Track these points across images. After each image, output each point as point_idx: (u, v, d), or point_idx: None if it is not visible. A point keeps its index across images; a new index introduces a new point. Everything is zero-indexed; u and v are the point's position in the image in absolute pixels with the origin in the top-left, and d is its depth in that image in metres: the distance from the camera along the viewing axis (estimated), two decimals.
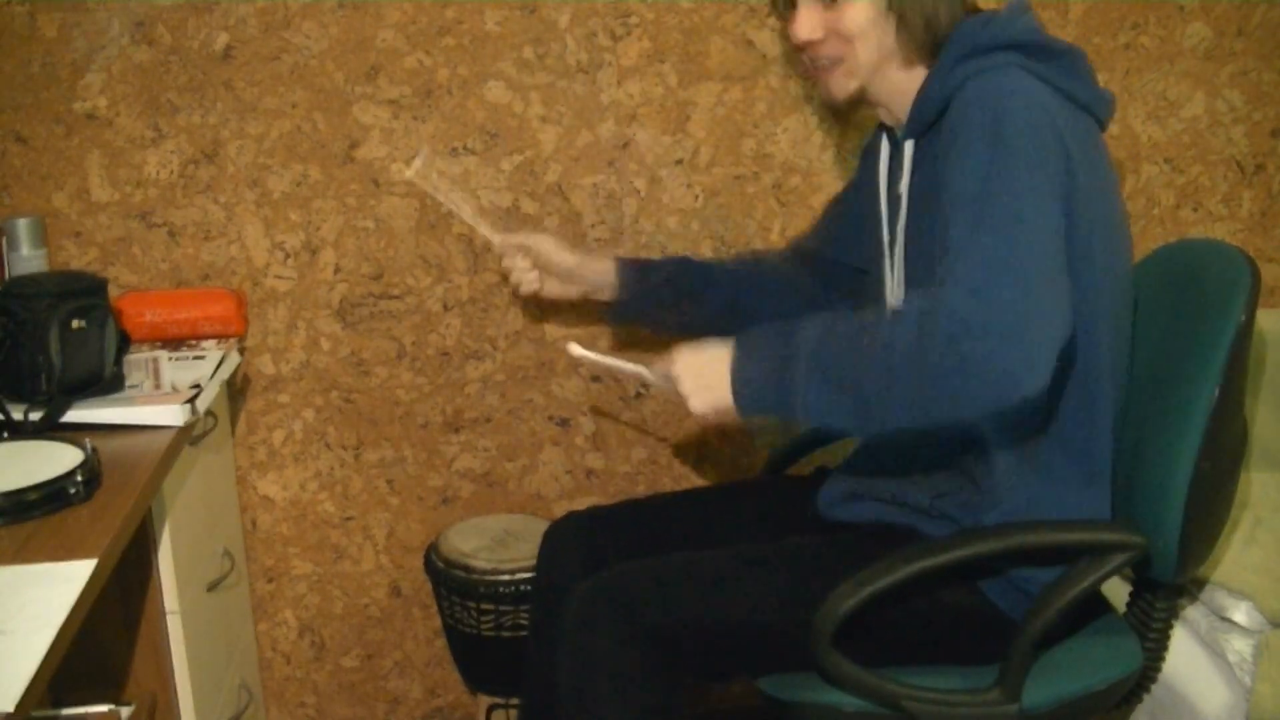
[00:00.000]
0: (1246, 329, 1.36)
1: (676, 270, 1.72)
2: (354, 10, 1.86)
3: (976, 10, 1.41)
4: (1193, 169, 2.05)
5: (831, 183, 1.99)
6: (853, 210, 1.63)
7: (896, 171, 1.46)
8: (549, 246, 1.71)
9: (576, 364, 1.53)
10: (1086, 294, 1.30)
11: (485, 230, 1.73)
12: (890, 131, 1.50)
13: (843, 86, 1.43)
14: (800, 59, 1.48)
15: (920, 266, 1.38)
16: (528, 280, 1.73)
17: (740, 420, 1.33)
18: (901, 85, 1.41)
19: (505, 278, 1.79)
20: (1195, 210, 2.07)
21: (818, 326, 1.25)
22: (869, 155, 1.58)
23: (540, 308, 1.99)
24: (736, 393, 1.29)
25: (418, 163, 1.81)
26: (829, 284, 1.69)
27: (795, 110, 1.96)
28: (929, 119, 1.37)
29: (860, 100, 1.46)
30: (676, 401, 1.35)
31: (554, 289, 1.75)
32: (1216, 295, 1.38)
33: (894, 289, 1.48)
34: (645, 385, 1.43)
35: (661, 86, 1.93)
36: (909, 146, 1.40)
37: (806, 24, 1.41)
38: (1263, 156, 2.05)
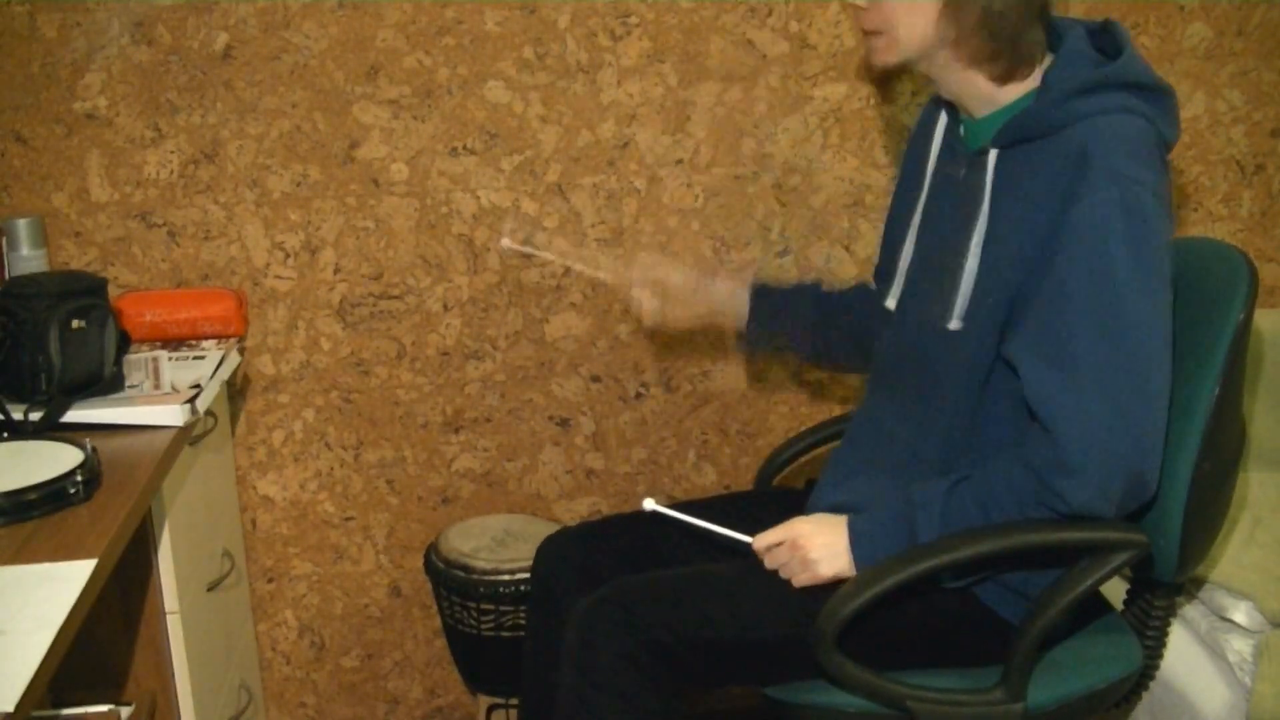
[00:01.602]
0: (1245, 328, 1.36)
1: (808, 301, 1.70)
2: (354, 10, 1.87)
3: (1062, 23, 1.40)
4: (1193, 169, 2.05)
5: (831, 183, 1.99)
6: (898, 199, 1.63)
7: (950, 154, 1.47)
8: (667, 269, 1.69)
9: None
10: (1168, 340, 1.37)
11: (603, 274, 1.67)
12: (950, 108, 1.48)
13: (882, 58, 1.42)
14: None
15: (989, 279, 1.38)
16: (650, 310, 1.69)
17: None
18: (982, 91, 1.39)
19: (627, 310, 1.77)
20: (1195, 210, 2.07)
21: (933, 520, 1.34)
22: (919, 129, 1.57)
23: (541, 308, 2.00)
24: (861, 562, 1.37)
25: (508, 228, 1.78)
26: None
27: (795, 110, 1.96)
28: (1026, 137, 1.34)
29: (904, 69, 1.45)
30: (789, 570, 1.40)
31: (679, 314, 1.70)
32: (1215, 295, 1.38)
33: (904, 266, 1.49)
34: (742, 546, 1.47)
35: (661, 86, 1.93)
36: (993, 155, 1.38)
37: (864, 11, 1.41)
38: (1263, 156, 2.05)
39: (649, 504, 1.47)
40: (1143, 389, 1.26)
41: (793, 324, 1.69)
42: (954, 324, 1.39)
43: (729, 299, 1.69)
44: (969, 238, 1.38)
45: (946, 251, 1.41)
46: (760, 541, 1.42)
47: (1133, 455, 1.26)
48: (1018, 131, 1.35)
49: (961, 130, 1.46)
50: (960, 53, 1.36)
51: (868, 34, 1.43)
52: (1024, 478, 1.30)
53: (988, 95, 1.39)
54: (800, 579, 1.38)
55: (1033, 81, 1.36)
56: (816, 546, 1.37)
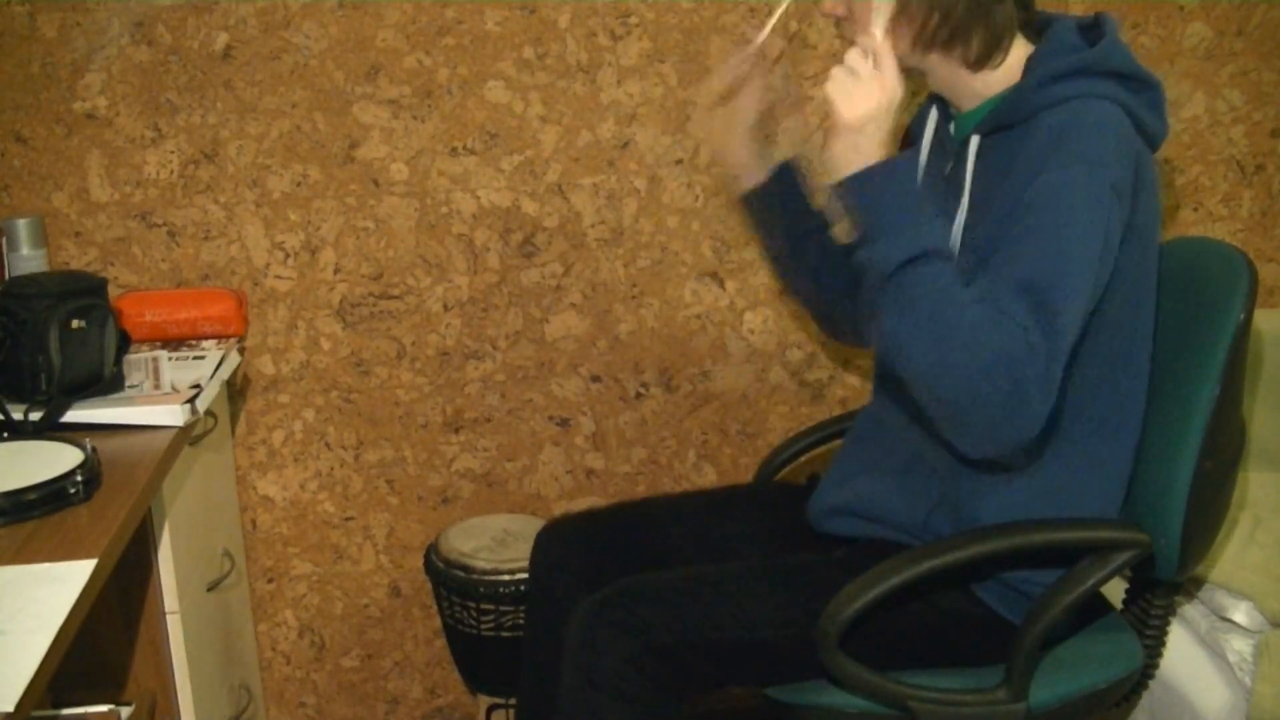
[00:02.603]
0: (1245, 328, 1.36)
1: (812, 221, 1.64)
2: (354, 10, 1.87)
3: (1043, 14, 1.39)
4: (1193, 169, 2.05)
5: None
6: None
7: (941, 148, 1.47)
8: (755, 93, 1.59)
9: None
10: (1139, 327, 1.38)
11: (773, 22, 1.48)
12: (941, 103, 1.48)
13: None
14: None
15: (970, 260, 1.36)
16: (713, 97, 1.60)
17: (832, 179, 1.32)
18: (966, 81, 1.40)
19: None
20: (1195, 210, 2.07)
21: (941, 244, 1.26)
22: (915, 127, 1.57)
23: (541, 308, 2.00)
24: (855, 179, 1.28)
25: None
26: None
27: (795, 110, 1.96)
28: (1007, 124, 1.35)
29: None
30: (847, 75, 1.30)
31: (725, 130, 1.61)
32: (1215, 295, 1.38)
33: None
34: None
35: (661, 86, 1.93)
36: (974, 142, 1.39)
37: None
38: (1263, 156, 2.05)
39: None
40: (1057, 327, 1.23)
41: (785, 219, 1.64)
42: None
43: (752, 158, 1.62)
44: (950, 225, 1.39)
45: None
46: (873, 40, 1.31)
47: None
48: (998, 117, 1.36)
49: (951, 126, 1.46)
50: (929, 43, 1.36)
51: (848, 43, 1.44)
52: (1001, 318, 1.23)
53: (973, 85, 1.39)
54: (833, 88, 1.30)
55: (1017, 74, 1.36)
56: (874, 105, 1.28)
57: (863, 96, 1.28)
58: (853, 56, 1.30)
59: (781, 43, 1.59)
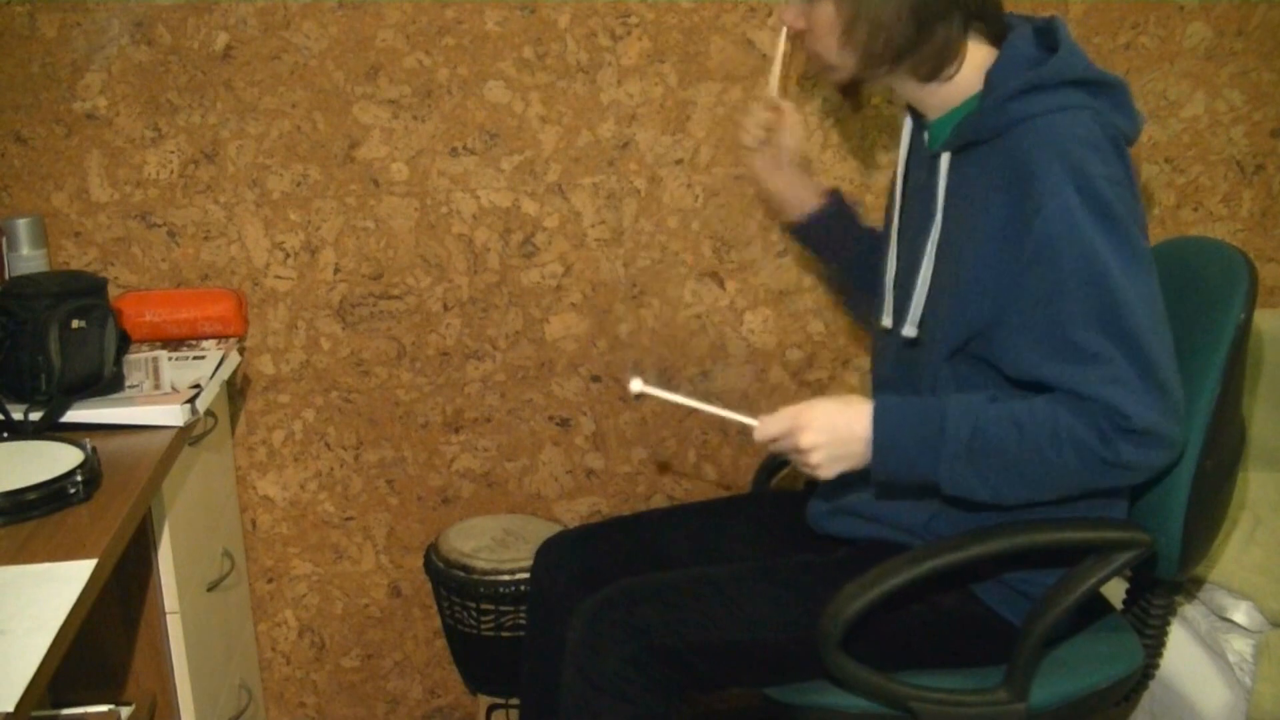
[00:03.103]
0: (1245, 328, 1.36)
1: (865, 242, 1.69)
2: (354, 10, 1.86)
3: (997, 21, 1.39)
4: (1193, 169, 2.05)
5: (831, 183, 1.98)
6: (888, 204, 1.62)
7: (916, 158, 1.47)
8: (793, 128, 1.65)
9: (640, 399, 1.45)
10: None
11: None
12: (916, 114, 1.48)
13: (830, 75, 1.44)
14: None
15: (944, 273, 1.37)
16: (755, 137, 1.65)
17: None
18: (922, 94, 1.40)
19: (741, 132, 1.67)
20: (1195, 210, 2.07)
21: (968, 418, 1.29)
22: (900, 143, 1.58)
23: (541, 308, 2.00)
24: (879, 463, 1.32)
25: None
26: None
27: (795, 110, 1.95)
28: (977, 140, 1.35)
29: (860, 83, 1.46)
30: (793, 459, 1.35)
31: (766, 164, 1.66)
32: (1215, 295, 1.38)
33: (890, 283, 1.49)
34: (748, 431, 1.37)
35: (661, 86, 1.93)
36: (945, 160, 1.38)
37: (791, 13, 1.42)
38: (1263, 156, 2.05)
39: (636, 385, 1.41)
40: (1148, 356, 1.25)
41: (841, 246, 1.70)
42: (909, 330, 1.41)
43: (800, 190, 1.68)
44: (925, 242, 1.39)
45: (914, 259, 1.42)
46: (761, 433, 1.36)
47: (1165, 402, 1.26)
48: (964, 135, 1.35)
49: (925, 136, 1.46)
50: (876, 63, 1.37)
51: (811, 55, 1.45)
52: (1074, 419, 1.26)
53: (935, 96, 1.40)
54: (807, 472, 1.35)
55: (979, 80, 1.36)
56: (824, 450, 1.32)
57: (811, 434, 1.32)
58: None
59: (792, 84, 1.67)
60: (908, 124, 1.50)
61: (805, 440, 1.32)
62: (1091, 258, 1.24)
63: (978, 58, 1.37)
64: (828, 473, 1.33)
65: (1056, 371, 1.26)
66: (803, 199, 1.68)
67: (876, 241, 1.66)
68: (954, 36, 1.34)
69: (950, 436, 1.28)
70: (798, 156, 1.67)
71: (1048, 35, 1.38)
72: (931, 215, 1.39)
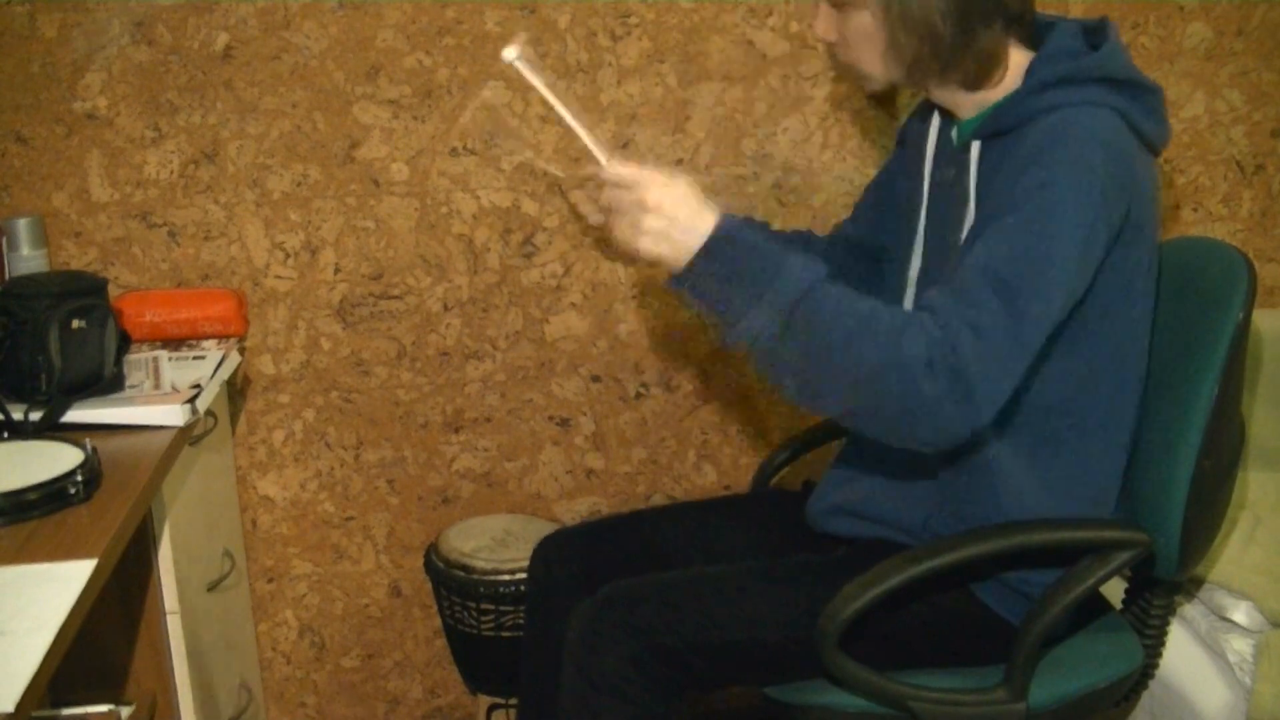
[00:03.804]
0: (1244, 328, 1.36)
1: (769, 234, 1.66)
2: (354, 10, 1.87)
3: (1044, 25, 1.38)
4: (1193, 169, 2.05)
5: (831, 183, 1.99)
6: (893, 192, 1.61)
7: (944, 156, 1.47)
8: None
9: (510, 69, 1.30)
10: (1131, 325, 1.36)
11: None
12: (944, 112, 1.48)
13: (866, 84, 1.44)
14: None
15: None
16: (595, 216, 1.60)
17: (663, 284, 1.27)
18: (962, 98, 1.40)
19: (574, 213, 1.57)
20: (1195, 210, 2.07)
21: (808, 278, 1.22)
22: (913, 134, 1.56)
23: (541, 308, 2.00)
24: (688, 271, 1.24)
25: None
26: (874, 272, 1.66)
27: (795, 110, 1.96)
28: (1005, 129, 1.35)
29: (895, 89, 1.46)
30: (618, 216, 1.25)
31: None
32: (1215, 295, 1.38)
33: (914, 276, 1.49)
34: (589, 174, 1.26)
35: (661, 86, 1.93)
36: (975, 147, 1.38)
37: (822, 24, 1.42)
38: (1263, 156, 2.05)
39: (509, 51, 1.29)
40: (1021, 336, 1.21)
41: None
42: None
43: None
44: (959, 235, 1.39)
45: (946, 252, 1.42)
46: (611, 171, 1.26)
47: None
48: (996, 123, 1.35)
49: (953, 133, 1.46)
50: (924, 75, 1.37)
51: (844, 69, 1.46)
52: (913, 324, 1.19)
53: (973, 98, 1.40)
54: (620, 232, 1.26)
55: (1016, 80, 1.36)
56: (654, 219, 1.23)
57: (657, 198, 1.23)
58: (605, 198, 1.26)
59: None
60: (935, 123, 1.50)
61: (651, 199, 1.23)
62: (1044, 222, 1.22)
63: (1018, 60, 1.37)
64: (647, 245, 1.24)
65: (939, 298, 1.22)
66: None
67: (801, 240, 1.67)
68: (998, 40, 1.34)
69: (781, 289, 1.21)
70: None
71: (1095, 34, 1.38)
72: (961, 209, 1.39)
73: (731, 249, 1.24)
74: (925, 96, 1.49)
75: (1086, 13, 1.95)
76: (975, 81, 1.37)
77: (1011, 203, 1.25)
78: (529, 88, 1.34)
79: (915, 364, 1.17)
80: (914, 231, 1.50)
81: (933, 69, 1.35)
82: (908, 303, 1.50)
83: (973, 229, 1.34)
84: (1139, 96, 1.33)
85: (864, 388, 1.20)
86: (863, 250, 1.68)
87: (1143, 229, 1.32)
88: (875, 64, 1.38)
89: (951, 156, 1.45)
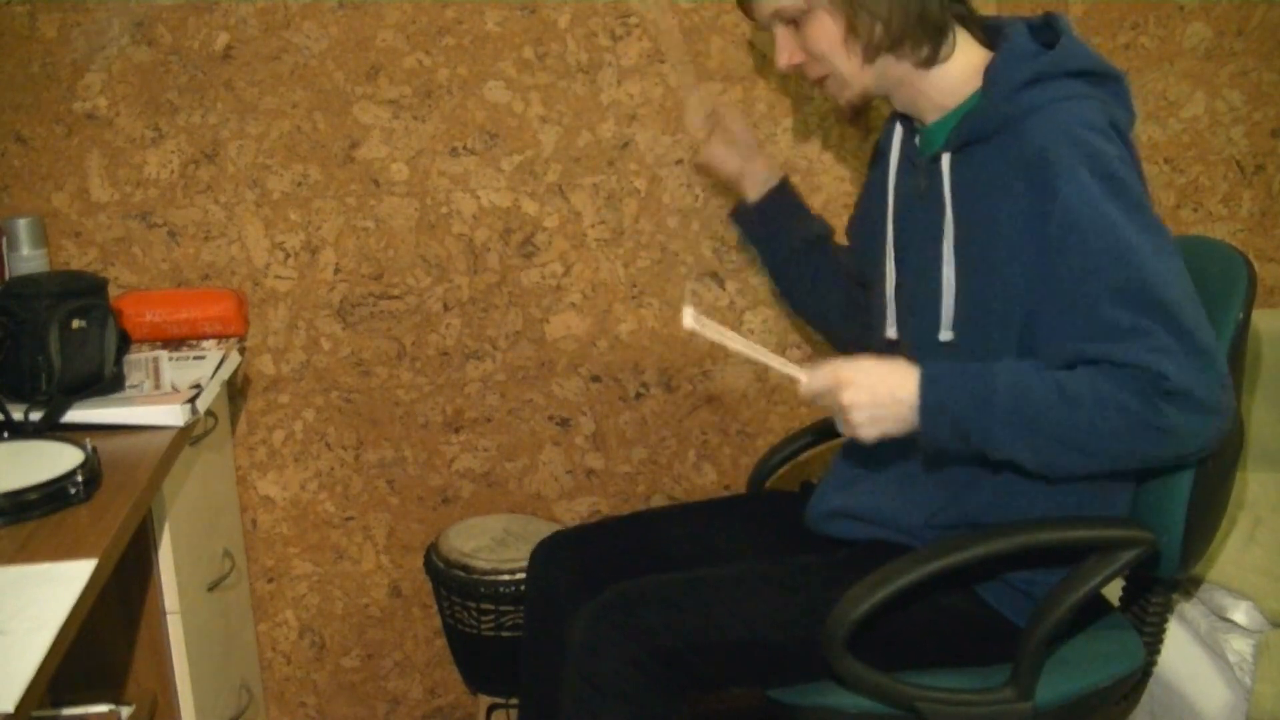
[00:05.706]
0: (1244, 328, 1.36)
1: (811, 231, 1.73)
2: (354, 10, 1.87)
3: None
4: (1193, 169, 2.05)
5: (831, 183, 1.99)
6: (869, 215, 1.62)
7: (910, 166, 1.47)
8: (735, 117, 1.76)
9: (692, 335, 1.41)
10: None
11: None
12: (905, 120, 1.49)
13: (841, 96, 1.46)
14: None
15: (968, 275, 1.38)
16: (701, 129, 1.77)
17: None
18: (922, 85, 1.41)
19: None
20: (1195, 210, 2.07)
21: (1017, 379, 1.28)
22: (881, 148, 1.57)
23: (541, 308, 2.00)
24: (928, 427, 1.30)
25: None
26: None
27: (795, 110, 1.96)
28: (979, 137, 1.35)
29: (870, 100, 1.47)
30: (836, 418, 1.34)
31: (718, 151, 1.75)
32: (1215, 295, 1.38)
33: (891, 294, 1.49)
34: (793, 384, 1.35)
35: (661, 86, 1.93)
36: (946, 159, 1.39)
37: (783, 51, 1.44)
38: (1263, 156, 2.05)
39: (689, 317, 1.38)
40: (1184, 325, 1.24)
41: (785, 233, 1.73)
42: (945, 335, 1.40)
43: (755, 171, 1.74)
44: (940, 246, 1.39)
45: (925, 264, 1.42)
46: (807, 388, 1.35)
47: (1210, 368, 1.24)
48: (968, 132, 1.36)
49: (916, 140, 1.46)
50: (878, 51, 1.38)
51: (817, 86, 1.47)
52: (1113, 385, 1.24)
53: (932, 94, 1.40)
54: (846, 431, 1.34)
55: (975, 81, 1.37)
56: (867, 409, 1.31)
57: (852, 392, 1.31)
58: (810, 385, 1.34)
59: (709, 119, 1.77)
60: (898, 130, 1.50)
61: (846, 398, 1.31)
62: (1116, 236, 1.24)
63: (973, 59, 1.38)
64: (868, 433, 1.32)
65: (1095, 349, 1.26)
66: (760, 173, 1.73)
67: (816, 240, 1.72)
68: (941, 9, 1.36)
69: (1000, 402, 1.27)
70: (746, 132, 1.74)
71: (1044, 31, 1.39)
72: (938, 220, 1.39)
73: (942, 395, 1.30)
74: (892, 108, 1.50)
75: (1086, 12, 1.95)
76: (929, 56, 1.38)
77: (1063, 237, 1.27)
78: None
79: (1146, 412, 1.22)
80: (883, 245, 1.51)
81: (885, 42, 1.37)
82: (890, 319, 1.50)
83: (968, 242, 1.36)
84: (1106, 84, 1.35)
85: (1112, 454, 1.28)
86: (852, 277, 1.71)
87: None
88: (842, 58, 1.40)
89: (921, 166, 1.45)
